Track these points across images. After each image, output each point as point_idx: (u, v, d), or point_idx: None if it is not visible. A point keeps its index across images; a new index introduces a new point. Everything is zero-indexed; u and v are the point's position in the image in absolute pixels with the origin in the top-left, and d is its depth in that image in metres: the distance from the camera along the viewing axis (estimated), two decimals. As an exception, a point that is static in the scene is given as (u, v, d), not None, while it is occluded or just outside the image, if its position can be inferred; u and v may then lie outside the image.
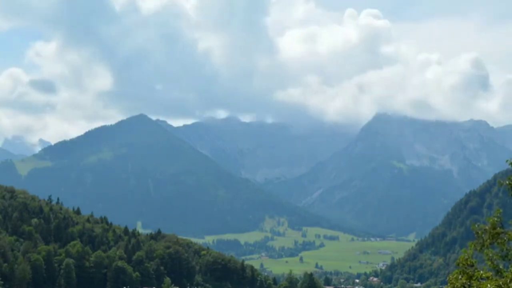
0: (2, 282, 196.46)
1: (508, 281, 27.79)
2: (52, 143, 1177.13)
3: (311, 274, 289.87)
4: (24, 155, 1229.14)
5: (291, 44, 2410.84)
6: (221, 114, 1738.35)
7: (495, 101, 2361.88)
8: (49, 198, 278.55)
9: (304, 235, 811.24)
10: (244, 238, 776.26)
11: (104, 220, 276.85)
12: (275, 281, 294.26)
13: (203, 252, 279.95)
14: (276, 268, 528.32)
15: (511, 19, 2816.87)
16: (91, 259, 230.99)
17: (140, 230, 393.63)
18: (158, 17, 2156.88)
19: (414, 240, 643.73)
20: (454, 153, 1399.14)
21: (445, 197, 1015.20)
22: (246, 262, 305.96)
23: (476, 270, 29.47)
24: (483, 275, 29.11)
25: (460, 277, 29.64)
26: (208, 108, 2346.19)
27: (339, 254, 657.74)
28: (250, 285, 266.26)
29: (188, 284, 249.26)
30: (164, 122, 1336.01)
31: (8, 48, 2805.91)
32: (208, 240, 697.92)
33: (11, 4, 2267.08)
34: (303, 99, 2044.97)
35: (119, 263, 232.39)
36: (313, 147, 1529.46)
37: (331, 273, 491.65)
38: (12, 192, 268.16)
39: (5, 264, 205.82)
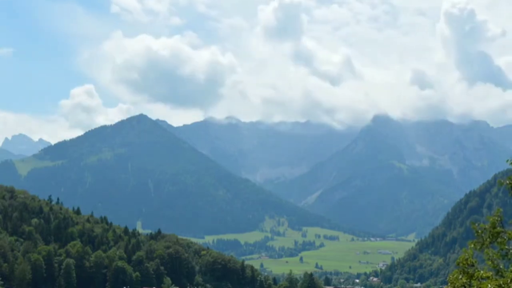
0: (2, 282, 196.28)
1: (508, 281, 27.73)
2: (52, 143, 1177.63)
3: (311, 274, 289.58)
4: (24, 155, 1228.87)
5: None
6: (221, 114, 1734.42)
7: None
8: (49, 198, 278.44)
9: (304, 235, 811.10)
10: (244, 238, 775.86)
11: (104, 220, 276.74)
12: (275, 281, 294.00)
13: (203, 252, 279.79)
14: (276, 268, 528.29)
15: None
16: (91, 259, 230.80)
17: (140, 230, 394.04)
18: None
19: (414, 240, 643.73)
20: (454, 153, 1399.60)
21: (445, 197, 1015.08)
22: (246, 262, 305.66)
23: (476, 270, 29.43)
24: (484, 275, 29.06)
25: (460, 276, 29.60)
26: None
27: (339, 254, 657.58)
28: (250, 285, 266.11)
29: (188, 284, 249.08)
30: (164, 122, 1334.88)
31: None
32: (208, 240, 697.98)
33: None
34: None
35: (119, 263, 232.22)
36: (313, 147, 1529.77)
37: (331, 273, 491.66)
38: (12, 192, 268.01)
39: (5, 264, 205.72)
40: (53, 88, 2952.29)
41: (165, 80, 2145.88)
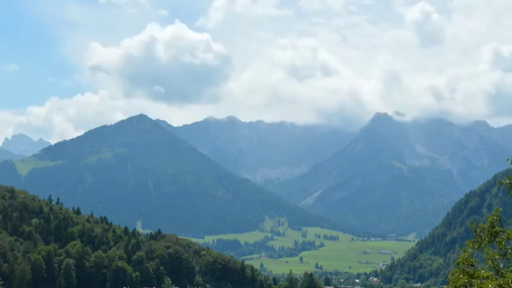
0: (2, 282, 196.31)
1: (509, 281, 27.77)
2: (52, 143, 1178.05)
3: (311, 274, 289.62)
4: (24, 155, 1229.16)
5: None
6: (221, 114, 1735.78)
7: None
8: (49, 198, 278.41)
9: (304, 235, 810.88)
10: (244, 238, 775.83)
11: (104, 220, 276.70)
12: (275, 281, 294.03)
13: (203, 252, 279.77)
14: (276, 268, 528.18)
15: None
16: (91, 259, 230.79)
17: (140, 230, 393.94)
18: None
19: (414, 240, 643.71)
20: (454, 153, 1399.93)
21: (445, 197, 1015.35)
22: (246, 262, 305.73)
23: (476, 270, 29.47)
24: (484, 275, 29.10)
25: (461, 276, 29.65)
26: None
27: (339, 254, 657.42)
28: (250, 285, 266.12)
29: (188, 284, 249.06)
30: (164, 122, 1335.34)
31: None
32: (208, 240, 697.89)
33: None
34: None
35: (119, 263, 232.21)
36: (313, 147, 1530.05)
37: (331, 273, 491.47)
38: (12, 192, 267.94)
39: (5, 264, 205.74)
40: (41, 84, 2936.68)
41: (158, 75, 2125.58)
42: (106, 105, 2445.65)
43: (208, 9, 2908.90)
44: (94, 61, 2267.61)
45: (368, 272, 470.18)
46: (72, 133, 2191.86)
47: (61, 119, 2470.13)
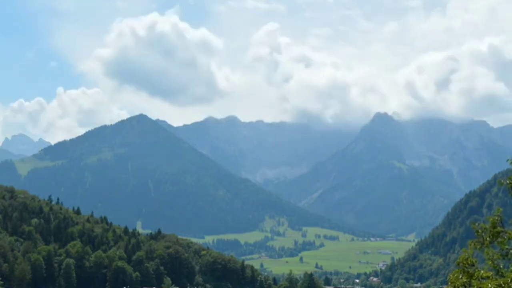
0: (2, 282, 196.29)
1: (509, 280, 27.76)
2: (52, 143, 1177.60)
3: (311, 274, 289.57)
4: (24, 155, 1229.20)
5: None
6: (221, 114, 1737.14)
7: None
8: (49, 198, 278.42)
9: (304, 235, 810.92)
10: (244, 238, 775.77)
11: (104, 220, 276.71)
12: (275, 281, 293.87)
13: (203, 252, 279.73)
14: (276, 268, 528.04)
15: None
16: (91, 259, 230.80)
17: (140, 230, 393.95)
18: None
19: (414, 240, 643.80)
20: (454, 153, 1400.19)
21: (445, 197, 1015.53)
22: (246, 262, 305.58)
23: (476, 270, 29.45)
24: (484, 275, 29.08)
25: (460, 276, 29.63)
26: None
27: (339, 254, 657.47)
28: (250, 285, 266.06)
29: (188, 284, 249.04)
30: (164, 122, 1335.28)
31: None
32: (208, 240, 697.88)
33: None
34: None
35: (119, 263, 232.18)
36: (313, 147, 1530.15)
37: (331, 273, 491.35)
38: (12, 192, 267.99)
39: (5, 264, 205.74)
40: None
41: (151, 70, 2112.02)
42: (101, 102, 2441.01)
43: (200, 3, 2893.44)
44: (86, 57, 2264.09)
45: (368, 272, 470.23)
46: (65, 129, 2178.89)
47: (51, 114, 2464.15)
